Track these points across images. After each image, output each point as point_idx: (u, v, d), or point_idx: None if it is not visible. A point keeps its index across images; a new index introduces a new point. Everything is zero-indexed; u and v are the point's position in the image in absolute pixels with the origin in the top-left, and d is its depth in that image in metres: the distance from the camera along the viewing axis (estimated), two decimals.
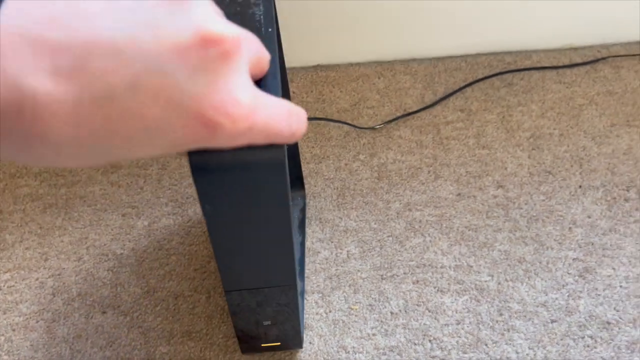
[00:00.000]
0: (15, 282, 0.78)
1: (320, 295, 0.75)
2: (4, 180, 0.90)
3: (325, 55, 1.07)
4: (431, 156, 0.91)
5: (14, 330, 0.73)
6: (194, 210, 0.86)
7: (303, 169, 0.88)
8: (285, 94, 0.73)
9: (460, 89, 1.01)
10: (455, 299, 0.74)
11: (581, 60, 1.04)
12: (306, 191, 0.86)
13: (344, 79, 1.04)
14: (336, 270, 0.78)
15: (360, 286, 0.76)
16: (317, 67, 1.08)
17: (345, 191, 0.87)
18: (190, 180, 0.90)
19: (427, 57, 1.08)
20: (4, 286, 0.78)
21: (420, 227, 0.82)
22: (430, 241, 0.80)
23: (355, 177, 0.89)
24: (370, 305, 0.74)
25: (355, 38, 1.05)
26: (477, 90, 1.01)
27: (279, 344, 0.64)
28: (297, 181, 0.83)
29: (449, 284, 0.75)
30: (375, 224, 0.83)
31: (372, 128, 0.95)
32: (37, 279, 0.78)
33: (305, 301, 0.75)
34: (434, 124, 0.96)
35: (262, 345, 0.64)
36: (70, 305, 0.75)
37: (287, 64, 1.08)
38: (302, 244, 0.79)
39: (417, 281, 0.76)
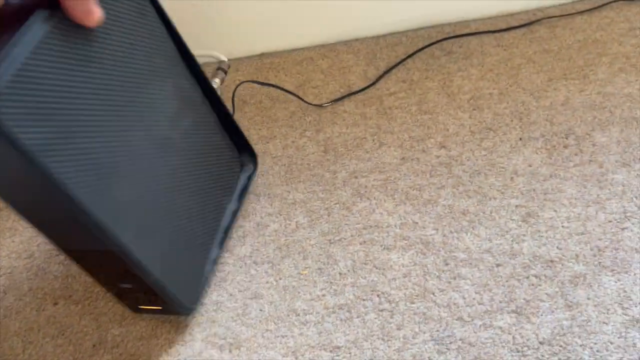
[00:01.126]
0: None
1: (270, 264, 0.76)
2: None
3: (268, 43, 1.09)
4: (375, 126, 0.93)
5: None
6: None
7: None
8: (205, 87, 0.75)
9: (402, 61, 1.03)
10: (401, 254, 0.75)
11: (518, 23, 1.07)
12: (256, 168, 0.88)
13: (289, 63, 1.06)
14: (285, 240, 0.79)
15: (309, 252, 0.77)
16: (262, 55, 1.10)
17: (292, 167, 0.89)
18: None
19: (368, 35, 1.10)
20: None
21: (366, 192, 0.83)
22: (376, 204, 0.82)
23: (302, 152, 0.91)
24: (319, 269, 0.75)
25: (297, 24, 1.07)
26: (418, 61, 1.03)
27: (159, 307, 0.65)
28: (244, 146, 0.84)
29: (395, 241, 0.77)
30: (322, 194, 0.84)
31: (319, 106, 0.97)
32: None
33: (255, 272, 0.75)
34: (377, 96, 0.98)
35: (140, 306, 0.66)
36: (22, 301, 0.76)
37: (232, 55, 1.10)
38: (235, 212, 0.80)
39: (364, 242, 0.77)
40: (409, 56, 1.03)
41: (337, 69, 1.04)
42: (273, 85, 1.00)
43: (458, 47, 1.04)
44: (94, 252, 0.51)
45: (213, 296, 0.74)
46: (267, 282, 0.74)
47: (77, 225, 0.47)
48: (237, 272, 0.76)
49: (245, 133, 0.89)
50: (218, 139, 0.77)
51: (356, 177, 0.86)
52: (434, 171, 0.85)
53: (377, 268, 0.74)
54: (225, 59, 0.95)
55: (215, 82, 0.92)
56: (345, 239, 0.78)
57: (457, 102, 0.94)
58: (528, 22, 1.06)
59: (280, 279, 0.75)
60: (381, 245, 0.76)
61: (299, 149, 0.91)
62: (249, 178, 0.84)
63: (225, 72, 0.94)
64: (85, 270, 0.57)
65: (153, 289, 0.59)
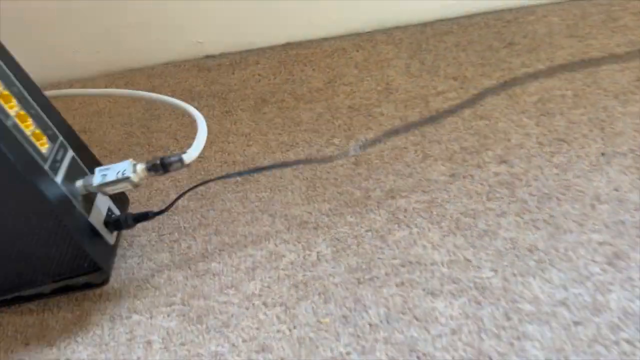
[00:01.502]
0: None
1: (283, 307, 0.61)
2: None
3: (294, 31, 0.94)
4: (419, 133, 0.76)
5: None
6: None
7: (267, 159, 0.75)
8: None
9: (451, 54, 0.86)
10: (449, 303, 0.59)
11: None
12: (268, 173, 0.74)
13: (317, 55, 0.91)
14: (303, 276, 0.64)
15: (332, 294, 0.62)
16: (287, 46, 0.94)
17: (316, 182, 0.73)
18: None
19: (412, 23, 0.93)
20: None
21: (405, 217, 0.67)
22: (418, 233, 0.65)
23: (329, 164, 0.75)
24: (344, 317, 0.60)
25: (327, 8, 0.91)
26: (472, 54, 0.86)
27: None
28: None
29: (441, 284, 0.60)
30: (351, 217, 0.68)
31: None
32: None
33: (264, 316, 0.61)
34: (421, 96, 0.81)
35: None
36: None
37: (254, 45, 0.94)
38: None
39: (402, 283, 0.61)
40: (461, 48, 0.86)
41: (374, 62, 0.88)
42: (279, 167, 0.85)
43: (522, 38, 0.86)
44: None
45: (212, 346, 0.59)
46: (278, 331, 0.60)
47: None
48: (243, 316, 0.61)
49: (263, 138, 0.74)
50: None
51: (393, 198, 0.69)
52: (492, 193, 0.68)
53: (417, 320, 0.58)
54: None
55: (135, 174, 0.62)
56: (378, 278, 0.62)
57: (520, 105, 0.77)
58: (608, 8, 0.87)
59: (294, 327, 0.60)
60: (423, 289, 0.60)
61: (325, 160, 0.76)
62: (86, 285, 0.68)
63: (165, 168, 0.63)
64: None
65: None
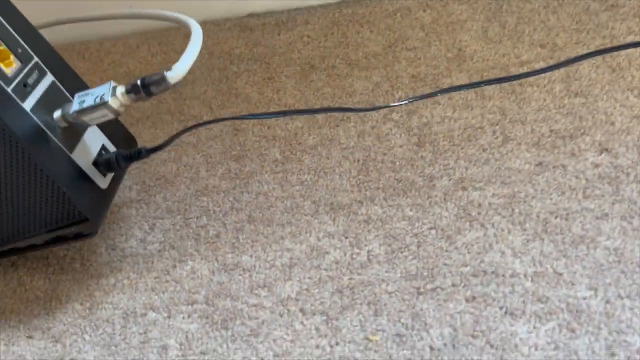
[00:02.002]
0: None
1: (325, 317, 0.50)
2: None
3: None
4: (498, 110, 0.63)
5: None
6: (164, 195, 0.63)
7: (313, 136, 0.64)
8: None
9: (540, 17, 0.71)
10: (534, 327, 0.46)
11: None
12: (314, 153, 0.62)
13: (377, 15, 0.78)
14: (350, 280, 0.53)
15: (385, 305, 0.50)
16: (341, 4, 0.82)
17: (369, 165, 0.61)
18: (163, 157, 0.68)
19: None
20: None
21: (479, 214, 0.55)
22: (494, 235, 0.53)
23: (385, 144, 0.63)
24: (398, 335, 0.48)
25: None
26: (565, 17, 0.71)
27: None
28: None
29: (524, 302, 0.48)
30: (411, 210, 0.57)
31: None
32: None
33: (300, 327, 0.50)
34: (501, 65, 0.67)
35: None
36: None
37: (303, 3, 0.83)
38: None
39: (474, 298, 0.49)
40: (551, 10, 0.71)
41: (444, 24, 0.74)
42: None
43: None
44: None
45: (237, 358, 0.49)
46: (317, 347, 0.49)
47: None
48: (275, 324, 0.51)
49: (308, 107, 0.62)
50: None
51: (465, 189, 0.57)
52: (591, 189, 0.54)
53: (491, 346, 0.46)
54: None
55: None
56: (442, 289, 0.50)
57: (626, 80, 0.62)
58: None
59: (337, 343, 0.49)
60: (501, 307, 0.48)
61: (381, 138, 0.64)
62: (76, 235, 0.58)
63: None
64: None
65: None
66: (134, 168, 0.67)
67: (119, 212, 0.63)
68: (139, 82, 0.50)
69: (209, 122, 0.61)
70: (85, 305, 0.56)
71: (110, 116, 0.51)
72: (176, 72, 0.50)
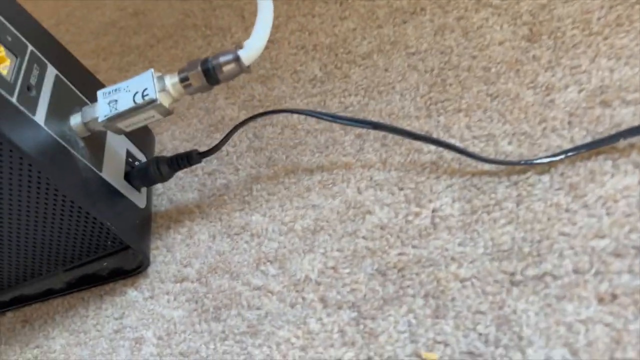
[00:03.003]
0: None
1: (355, 314, 0.32)
2: None
3: None
4: None
5: None
6: (173, 132, 0.48)
7: (368, 39, 0.44)
8: None
9: None
10: None
11: None
12: (368, 63, 0.42)
13: None
14: (400, 256, 0.33)
15: (454, 300, 0.30)
16: None
17: (448, 75, 0.40)
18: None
19: None
20: None
21: (632, 147, 0.31)
22: None
23: (476, 41, 0.40)
24: (470, 354, 0.28)
25: None
26: None
27: None
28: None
29: None
30: (510, 143, 0.34)
31: None
32: None
33: (324, 319, 0.32)
34: None
35: None
36: None
37: None
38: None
39: (614, 296, 0.27)
40: None
41: None
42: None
43: None
44: None
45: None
46: None
47: None
48: (283, 318, 0.34)
49: (368, 3, 0.42)
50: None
51: (607, 105, 0.33)
52: None
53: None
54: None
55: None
56: (557, 277, 0.29)
57: None
58: None
59: (369, 359, 0.30)
60: None
61: (470, 34, 0.41)
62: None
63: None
64: None
65: None
66: None
67: None
68: (199, 67, 0.34)
69: (274, 111, 0.41)
70: None
71: (157, 117, 0.35)
72: (250, 51, 0.33)
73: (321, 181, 0.39)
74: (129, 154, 0.42)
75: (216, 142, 0.41)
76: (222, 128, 0.46)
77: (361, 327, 0.31)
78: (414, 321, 0.30)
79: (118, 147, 0.41)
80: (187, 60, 0.54)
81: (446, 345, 0.29)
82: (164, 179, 0.40)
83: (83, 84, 0.39)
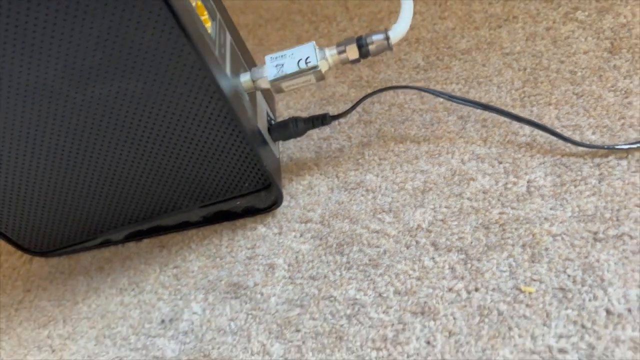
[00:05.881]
0: None
1: (463, 256, 0.40)
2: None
3: None
4: None
5: None
6: None
7: (467, 39, 0.52)
8: None
9: None
10: None
11: None
12: (467, 58, 0.50)
13: None
14: (501, 214, 0.41)
15: (547, 250, 0.38)
16: None
17: (539, 74, 0.48)
18: None
19: None
20: None
21: None
22: None
23: (564, 49, 0.48)
24: (562, 289, 0.36)
25: None
26: None
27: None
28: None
29: None
30: (594, 133, 0.42)
31: None
32: None
33: (431, 263, 0.40)
34: None
35: None
36: None
37: None
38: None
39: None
40: None
41: None
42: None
43: None
44: None
45: (351, 290, 0.41)
46: (450, 290, 0.39)
47: None
48: (400, 256, 0.42)
49: (466, 6, 0.50)
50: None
51: None
52: None
53: None
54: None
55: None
56: (632, 237, 0.37)
57: None
58: None
59: (476, 289, 0.38)
60: None
61: (558, 42, 0.49)
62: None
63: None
64: None
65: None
66: None
67: None
68: (355, 42, 0.43)
69: (396, 87, 0.49)
70: None
71: (312, 82, 0.44)
72: (396, 33, 0.42)
73: (428, 151, 0.47)
74: (267, 114, 0.50)
75: (330, 113, 0.49)
76: (334, 102, 0.54)
77: (469, 265, 0.40)
78: (513, 263, 0.39)
79: (262, 105, 0.49)
80: (295, 41, 0.62)
81: (541, 282, 0.37)
82: (298, 134, 0.48)
83: (242, 51, 0.47)
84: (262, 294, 0.44)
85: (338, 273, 0.43)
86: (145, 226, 0.51)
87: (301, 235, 0.46)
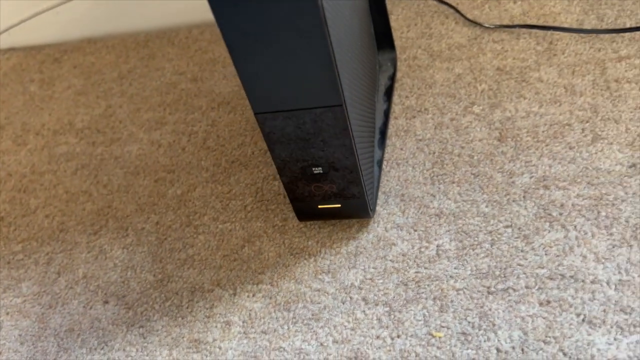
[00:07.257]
0: (25, 256, 0.64)
1: (387, 309, 0.49)
2: (46, 137, 0.78)
3: None
4: (589, 107, 0.59)
5: (7, 313, 0.59)
6: (237, 177, 0.65)
7: (389, 126, 0.63)
8: None
9: None
10: (614, 339, 0.43)
11: None
12: (387, 143, 0.61)
13: (464, 6, 0.75)
14: (416, 273, 0.51)
15: (452, 302, 0.48)
16: None
17: (444, 158, 0.59)
18: (239, 141, 0.69)
19: None
20: (12, 259, 0.64)
21: (561, 215, 0.51)
22: (576, 238, 0.49)
23: (464, 137, 0.60)
24: (463, 334, 0.46)
25: None
26: None
27: (338, 205, 0.53)
28: (385, 39, 0.69)
29: (605, 311, 0.44)
30: (487, 206, 0.54)
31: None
32: (47, 254, 0.64)
33: (362, 315, 0.49)
34: (597, 59, 0.63)
35: (319, 207, 0.54)
36: (72, 290, 0.59)
37: None
38: (387, 112, 0.65)
39: (548, 302, 0.46)
40: None
41: (535, 16, 0.70)
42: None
43: None
44: (297, 112, 0.46)
45: (297, 341, 0.49)
46: (377, 338, 0.48)
47: (314, 77, 0.44)
48: (337, 310, 0.50)
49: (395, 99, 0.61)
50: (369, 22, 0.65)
51: (547, 188, 0.54)
52: None
53: (565, 355, 0.43)
54: None
55: None
56: (515, 290, 0.48)
57: None
58: None
59: (398, 336, 0.48)
60: (578, 314, 0.45)
61: (460, 131, 0.61)
62: (391, 78, 0.68)
63: None
64: (278, 155, 0.50)
65: (352, 174, 0.50)
66: (213, 149, 0.69)
67: (194, 191, 0.65)
68: None
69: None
70: (157, 277, 0.58)
71: None
72: None
73: (358, 221, 0.57)
74: None
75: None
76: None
77: (392, 316, 0.49)
78: (426, 313, 0.48)
79: None
80: (245, 124, 0.71)
81: (448, 328, 0.47)
82: None
83: None
84: (220, 348, 0.51)
85: (286, 327, 0.51)
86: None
87: (254, 295, 0.54)
